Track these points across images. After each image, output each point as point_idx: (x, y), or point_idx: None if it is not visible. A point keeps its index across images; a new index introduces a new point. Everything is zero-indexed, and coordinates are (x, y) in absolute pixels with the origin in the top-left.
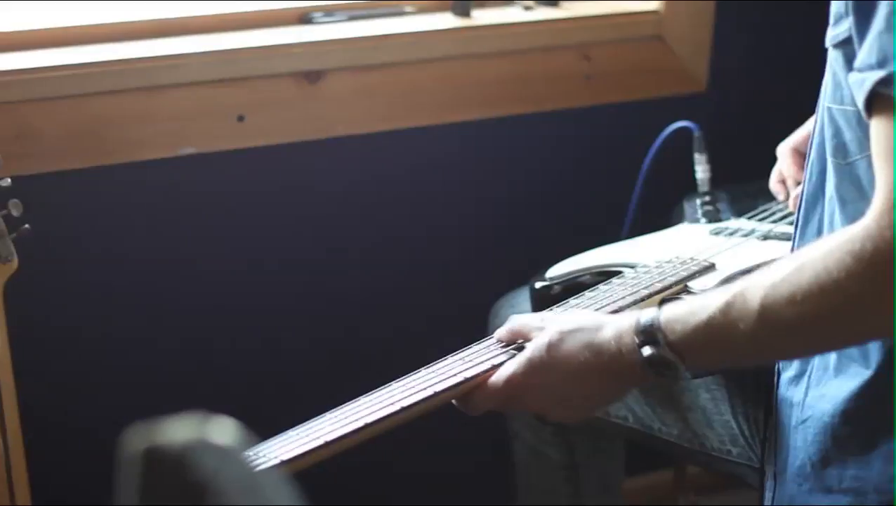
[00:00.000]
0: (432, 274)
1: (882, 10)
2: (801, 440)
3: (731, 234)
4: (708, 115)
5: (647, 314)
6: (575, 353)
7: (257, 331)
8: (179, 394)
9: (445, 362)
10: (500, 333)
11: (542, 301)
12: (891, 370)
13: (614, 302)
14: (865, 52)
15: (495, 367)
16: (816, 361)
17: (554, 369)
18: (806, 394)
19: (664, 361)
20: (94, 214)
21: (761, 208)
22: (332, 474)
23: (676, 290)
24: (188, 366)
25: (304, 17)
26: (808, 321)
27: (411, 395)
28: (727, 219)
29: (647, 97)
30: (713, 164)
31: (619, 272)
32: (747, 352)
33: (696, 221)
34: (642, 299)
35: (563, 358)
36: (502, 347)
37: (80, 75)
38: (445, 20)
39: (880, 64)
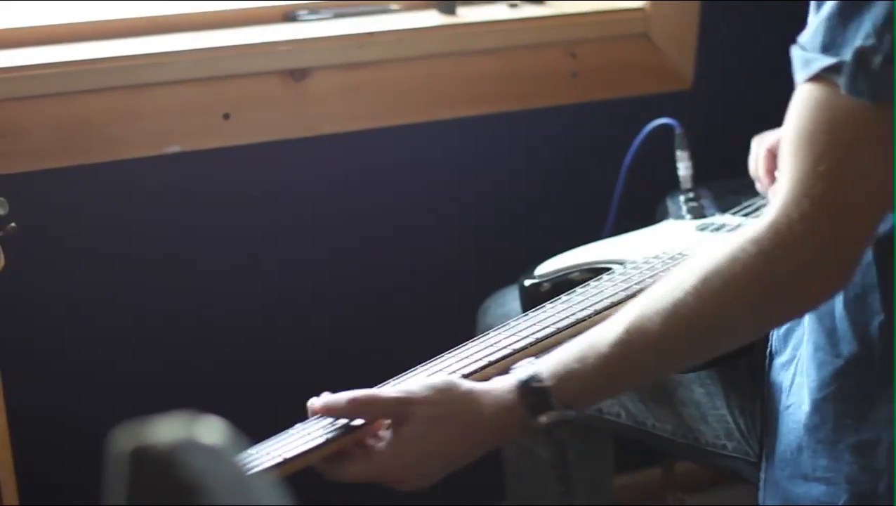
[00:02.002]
0: (420, 272)
1: None
2: (785, 426)
3: (717, 229)
4: (694, 113)
5: (527, 377)
6: (454, 440)
7: (242, 329)
8: (168, 393)
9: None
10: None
11: (532, 298)
12: (862, 362)
13: (606, 298)
14: (812, 32)
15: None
16: (805, 347)
17: (429, 459)
18: (793, 380)
19: (561, 421)
20: (80, 213)
21: (746, 204)
22: (315, 473)
23: None
24: (176, 365)
25: (288, 15)
26: (717, 333)
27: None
28: (712, 215)
29: (634, 94)
30: (698, 161)
31: (608, 269)
32: (649, 378)
33: (681, 217)
34: (634, 295)
35: (439, 447)
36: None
37: (65, 73)
38: (431, 18)
39: (825, 48)
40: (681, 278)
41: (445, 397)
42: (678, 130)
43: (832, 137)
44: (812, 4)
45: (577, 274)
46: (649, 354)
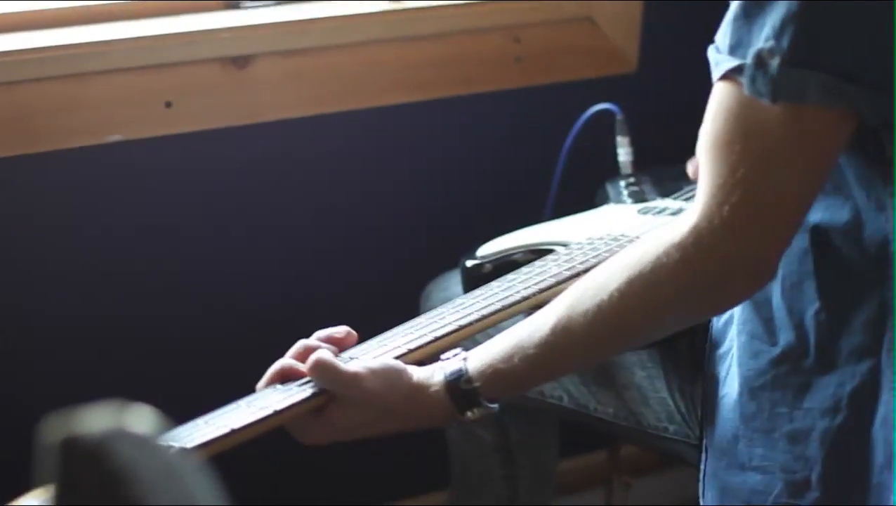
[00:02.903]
0: (362, 257)
1: None
2: (721, 417)
3: (659, 212)
4: (639, 96)
5: (455, 376)
6: (382, 420)
7: (180, 317)
8: (104, 386)
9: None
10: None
11: (474, 280)
12: (798, 351)
13: (552, 277)
14: (722, 32)
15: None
16: (738, 338)
17: (354, 430)
18: (728, 371)
19: (487, 414)
20: (20, 203)
21: (687, 189)
22: (250, 462)
23: None
24: (122, 356)
25: (230, 3)
26: (640, 332)
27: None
28: (653, 199)
29: (578, 78)
30: (641, 145)
31: (551, 250)
32: (574, 371)
33: (622, 201)
34: (577, 275)
35: (368, 423)
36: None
37: (4, 63)
38: (374, 3)
39: (732, 49)
40: (605, 279)
41: (387, 382)
42: (619, 116)
43: (746, 144)
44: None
45: (519, 255)
46: (574, 354)
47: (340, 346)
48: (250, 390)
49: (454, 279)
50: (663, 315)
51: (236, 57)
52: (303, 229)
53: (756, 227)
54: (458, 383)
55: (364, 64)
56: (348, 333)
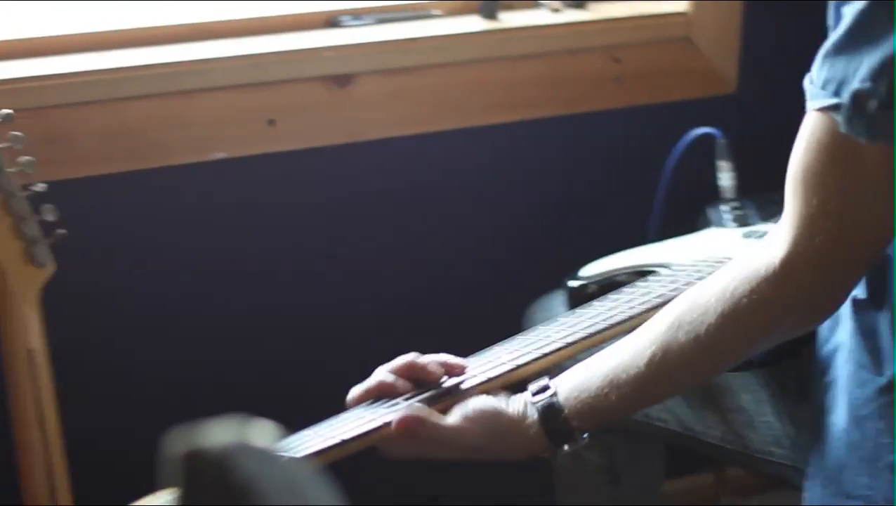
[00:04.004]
0: (465, 278)
1: (846, 20)
2: (827, 444)
3: (762, 236)
4: (737, 117)
5: (550, 413)
6: (483, 455)
7: (284, 334)
8: (215, 397)
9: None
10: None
11: (577, 300)
12: None
13: (657, 297)
14: (817, 65)
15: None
16: (846, 367)
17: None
18: (835, 399)
19: (579, 445)
20: (126, 219)
21: None
22: (370, 469)
23: None
24: (218, 369)
25: (332, 21)
26: (729, 364)
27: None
28: (756, 223)
29: (677, 99)
30: (741, 164)
31: (654, 272)
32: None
33: (724, 225)
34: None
35: (468, 455)
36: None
37: (111, 80)
38: (473, 23)
39: (824, 84)
40: (699, 315)
41: (486, 428)
42: (720, 140)
43: (839, 178)
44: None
45: (622, 276)
46: (668, 387)
47: (452, 373)
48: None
49: (557, 300)
50: (755, 344)
51: (338, 75)
52: (405, 248)
53: (846, 258)
54: (555, 421)
55: (464, 83)
56: (464, 368)
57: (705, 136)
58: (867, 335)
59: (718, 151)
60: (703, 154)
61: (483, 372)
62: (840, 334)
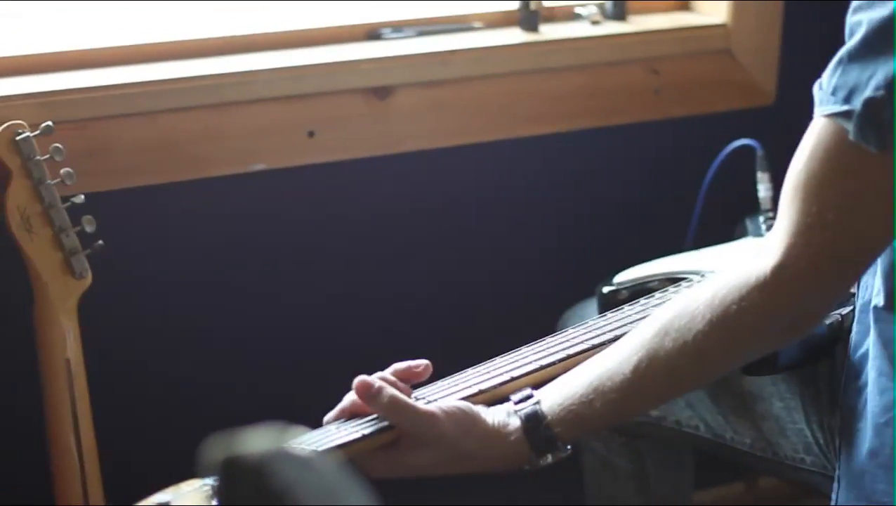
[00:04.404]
0: (503, 287)
1: (863, 28)
2: (855, 449)
3: None
4: (775, 128)
5: (534, 422)
6: (455, 463)
7: (326, 346)
8: (249, 406)
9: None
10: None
11: (610, 306)
12: None
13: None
14: (828, 72)
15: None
16: (870, 373)
17: (430, 470)
18: (864, 404)
19: (561, 459)
20: (166, 230)
21: None
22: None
23: None
24: (255, 380)
25: (372, 34)
26: (717, 373)
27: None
28: None
29: (716, 111)
30: (778, 178)
31: (687, 279)
32: (645, 412)
33: (761, 235)
34: None
35: (441, 464)
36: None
37: (150, 92)
38: (513, 35)
39: (834, 91)
40: (687, 322)
41: (461, 427)
42: (759, 152)
43: (842, 187)
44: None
45: (655, 283)
46: (654, 395)
47: (418, 378)
48: None
49: (591, 307)
50: (743, 353)
51: (378, 88)
52: (444, 259)
53: (839, 268)
54: (537, 429)
55: (504, 95)
56: (426, 367)
57: (744, 147)
58: (887, 344)
59: (758, 163)
60: (742, 165)
61: (505, 372)
62: (870, 340)
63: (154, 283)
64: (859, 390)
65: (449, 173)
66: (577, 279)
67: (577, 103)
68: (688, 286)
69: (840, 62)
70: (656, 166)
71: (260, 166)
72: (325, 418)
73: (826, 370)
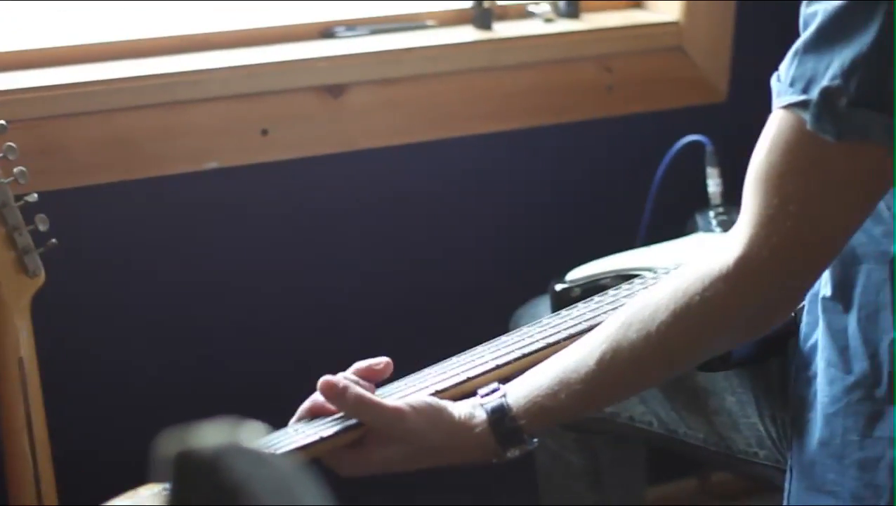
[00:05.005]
0: (454, 284)
1: (818, 19)
2: (805, 438)
3: None
4: (728, 126)
5: (499, 414)
6: (423, 458)
7: (277, 344)
8: (204, 405)
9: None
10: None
11: (563, 303)
12: (871, 380)
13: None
14: (785, 63)
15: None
16: (819, 364)
17: (397, 465)
18: (815, 394)
19: (527, 452)
20: (119, 229)
21: None
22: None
23: None
24: (210, 378)
25: (325, 32)
26: (684, 364)
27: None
28: None
29: (668, 108)
30: (730, 174)
31: (639, 276)
32: (613, 403)
33: (711, 231)
34: None
35: (408, 459)
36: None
37: (104, 91)
38: (466, 33)
39: (792, 82)
40: (651, 312)
41: (428, 421)
42: (709, 147)
43: (802, 177)
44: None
45: (607, 280)
46: (621, 385)
47: (379, 376)
48: None
49: (544, 305)
50: (707, 345)
51: (331, 86)
52: (397, 256)
53: (803, 259)
54: (502, 421)
55: (457, 93)
56: (387, 364)
57: (694, 143)
58: (835, 334)
59: (708, 159)
60: (693, 161)
61: (461, 372)
62: (819, 331)
63: (108, 281)
64: (809, 381)
65: (402, 171)
66: (530, 277)
67: (530, 101)
68: (640, 283)
69: (796, 53)
70: (608, 163)
71: (214, 165)
72: (290, 422)
73: (778, 364)
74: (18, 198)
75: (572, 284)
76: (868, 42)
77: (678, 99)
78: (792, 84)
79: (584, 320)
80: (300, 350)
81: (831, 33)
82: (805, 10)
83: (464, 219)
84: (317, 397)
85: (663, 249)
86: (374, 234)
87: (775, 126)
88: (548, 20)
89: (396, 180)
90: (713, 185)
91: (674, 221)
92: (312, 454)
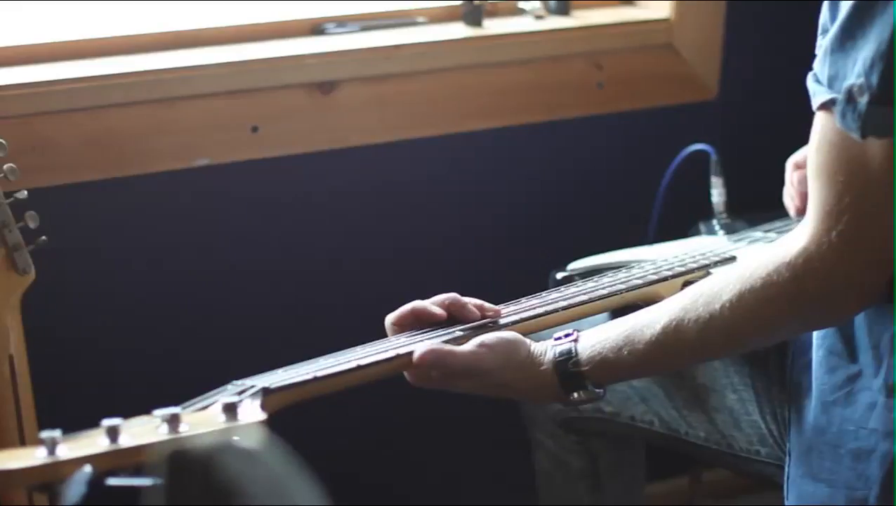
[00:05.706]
0: (446, 283)
1: (840, 16)
2: (802, 425)
3: (752, 241)
4: (718, 122)
5: (565, 358)
6: (496, 388)
7: (269, 339)
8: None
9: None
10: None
11: None
12: (872, 371)
13: (638, 279)
14: (819, 62)
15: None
16: (816, 352)
17: (475, 388)
18: (811, 381)
19: (589, 399)
20: (109, 226)
21: (779, 224)
22: (354, 475)
23: (699, 274)
24: (200, 376)
25: (316, 29)
26: (746, 343)
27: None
28: (744, 230)
29: (659, 105)
30: (726, 175)
31: (639, 265)
32: (677, 369)
33: (714, 233)
34: (665, 280)
35: (483, 387)
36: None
37: (94, 88)
38: (457, 30)
39: (830, 81)
40: (719, 289)
41: (504, 356)
42: (713, 157)
43: (848, 174)
44: (820, 28)
45: (608, 270)
46: (682, 356)
47: (487, 316)
48: None
49: None
50: (773, 328)
51: (322, 82)
52: (388, 254)
53: (863, 251)
54: (566, 364)
55: (447, 90)
56: (497, 312)
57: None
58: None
59: (712, 168)
60: (694, 169)
61: (517, 314)
62: None
63: (98, 278)
64: (806, 366)
65: (393, 168)
66: (524, 273)
67: (520, 98)
68: (640, 267)
69: (827, 52)
70: (600, 161)
71: (204, 161)
72: (388, 317)
73: (777, 360)
74: (8, 195)
75: (573, 273)
76: (886, 37)
77: (669, 96)
78: (826, 83)
79: (587, 292)
80: (291, 348)
81: (853, 29)
82: (829, 7)
83: (454, 216)
84: (423, 302)
85: (664, 246)
86: (364, 230)
87: (819, 125)
88: (538, 17)
89: (387, 177)
90: (717, 194)
91: (678, 232)
92: (392, 369)
